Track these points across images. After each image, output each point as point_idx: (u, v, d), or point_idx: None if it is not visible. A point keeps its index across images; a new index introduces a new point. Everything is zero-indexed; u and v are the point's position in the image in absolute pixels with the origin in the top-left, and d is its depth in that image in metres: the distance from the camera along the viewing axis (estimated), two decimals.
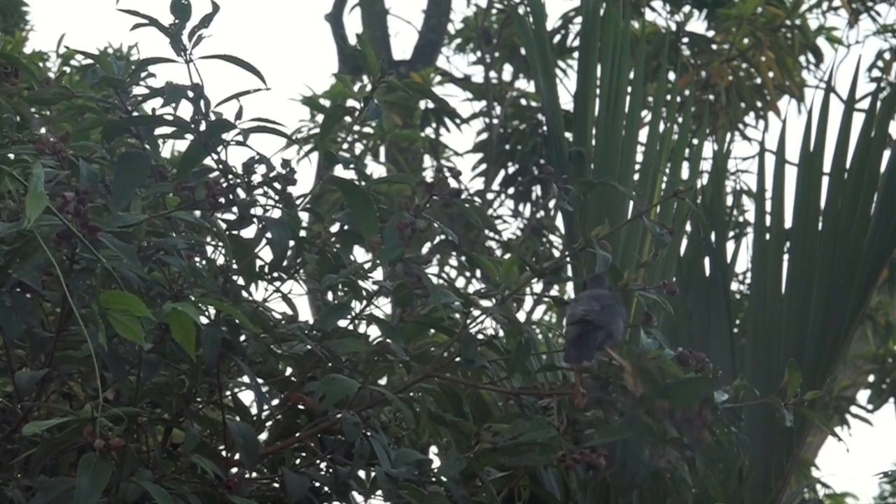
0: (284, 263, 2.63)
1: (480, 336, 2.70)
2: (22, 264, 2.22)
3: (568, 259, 2.81)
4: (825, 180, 3.75)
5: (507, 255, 7.01)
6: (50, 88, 2.74)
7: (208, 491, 2.40)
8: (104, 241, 2.17)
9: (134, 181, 2.46)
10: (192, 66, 2.62)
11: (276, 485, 2.63)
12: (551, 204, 9.64)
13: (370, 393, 2.63)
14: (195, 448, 2.44)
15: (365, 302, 2.66)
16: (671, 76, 8.94)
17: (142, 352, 2.34)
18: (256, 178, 2.60)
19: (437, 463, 2.73)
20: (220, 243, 2.57)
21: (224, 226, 2.56)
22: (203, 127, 2.57)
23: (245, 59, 2.62)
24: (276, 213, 2.61)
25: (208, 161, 2.60)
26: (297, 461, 2.71)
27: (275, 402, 2.69)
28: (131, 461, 2.23)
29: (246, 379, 2.59)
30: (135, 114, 2.65)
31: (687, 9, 9.97)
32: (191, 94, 2.59)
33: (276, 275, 2.66)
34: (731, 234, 6.23)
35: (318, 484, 2.63)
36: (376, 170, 9.24)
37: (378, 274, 2.69)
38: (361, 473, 2.68)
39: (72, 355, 2.42)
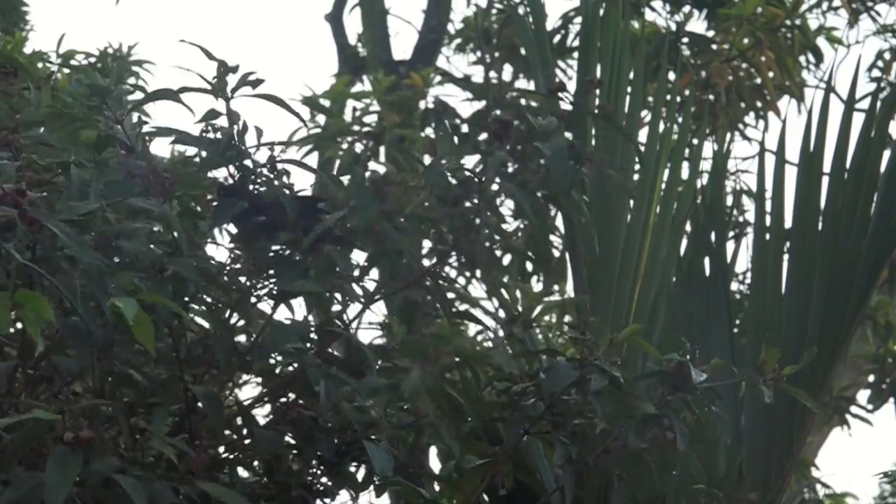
0: None
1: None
2: None
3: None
4: (825, 180, 3.75)
5: (508, 256, 7.01)
6: (40, 109, 2.75)
7: (179, 478, 2.37)
8: (56, 231, 2.19)
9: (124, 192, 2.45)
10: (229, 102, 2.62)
11: (274, 484, 2.63)
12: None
13: (326, 332, 2.57)
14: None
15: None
16: (671, 76, 8.92)
17: (110, 331, 2.31)
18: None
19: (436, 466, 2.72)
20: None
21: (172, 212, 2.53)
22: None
23: (283, 100, 2.62)
24: None
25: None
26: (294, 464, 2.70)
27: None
28: (98, 451, 2.22)
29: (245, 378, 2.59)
30: (125, 119, 2.66)
31: (687, 9, 9.96)
32: (223, 131, 2.59)
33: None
34: (731, 234, 6.22)
35: (311, 479, 2.63)
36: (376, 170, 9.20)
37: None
38: (358, 472, 2.67)
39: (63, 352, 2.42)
